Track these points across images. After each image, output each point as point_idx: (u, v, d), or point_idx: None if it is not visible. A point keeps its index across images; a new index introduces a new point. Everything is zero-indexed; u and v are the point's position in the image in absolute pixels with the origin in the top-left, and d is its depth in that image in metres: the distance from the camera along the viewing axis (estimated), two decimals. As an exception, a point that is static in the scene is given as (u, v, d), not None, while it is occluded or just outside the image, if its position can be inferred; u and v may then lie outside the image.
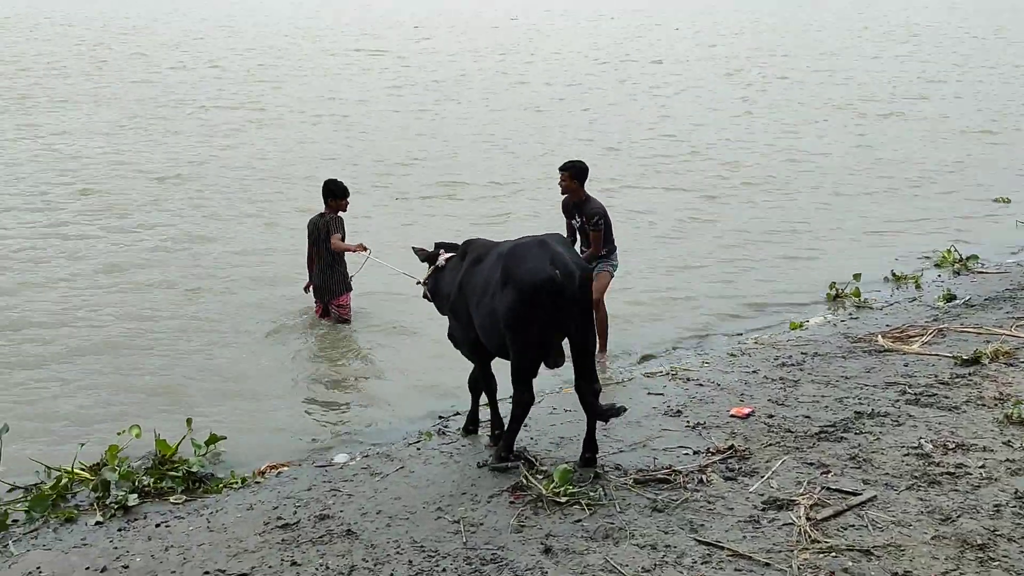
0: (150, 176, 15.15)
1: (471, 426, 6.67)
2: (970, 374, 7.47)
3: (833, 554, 4.81)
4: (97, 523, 5.53)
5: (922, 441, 6.16)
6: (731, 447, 6.15)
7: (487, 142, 18.76)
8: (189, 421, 6.92)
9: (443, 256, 6.60)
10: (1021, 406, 6.51)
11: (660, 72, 29.69)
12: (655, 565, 4.78)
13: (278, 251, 11.46)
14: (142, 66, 28.15)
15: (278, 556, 5.01)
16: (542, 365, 5.89)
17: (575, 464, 5.86)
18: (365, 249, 9.10)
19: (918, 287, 10.72)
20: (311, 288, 9.37)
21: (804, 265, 11.66)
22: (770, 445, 6.21)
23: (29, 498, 5.80)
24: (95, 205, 13.35)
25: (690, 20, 49.21)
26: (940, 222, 13.66)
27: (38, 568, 5.00)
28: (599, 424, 5.95)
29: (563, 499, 5.43)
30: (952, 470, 5.72)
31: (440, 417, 7.28)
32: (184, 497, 5.89)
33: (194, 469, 6.16)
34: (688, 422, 6.69)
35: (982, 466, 5.78)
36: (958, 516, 5.16)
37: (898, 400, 6.96)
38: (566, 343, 5.86)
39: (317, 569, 4.86)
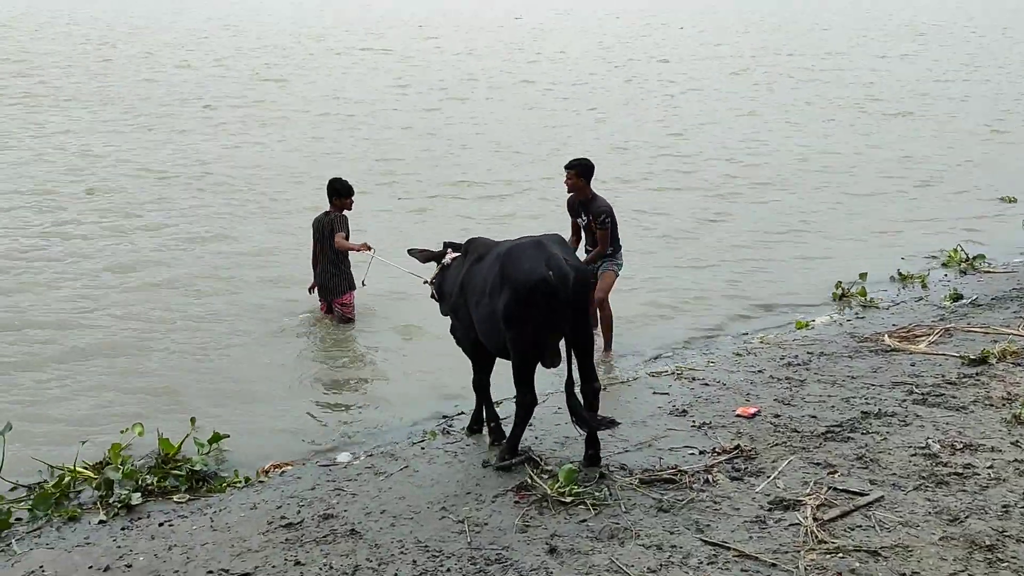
0: (154, 175, 15.15)
1: (475, 425, 6.65)
2: (977, 374, 7.43)
3: (840, 555, 4.78)
4: (100, 522, 5.52)
5: (929, 441, 6.12)
6: (737, 447, 6.11)
7: (492, 141, 18.73)
8: (193, 420, 6.91)
9: (450, 255, 6.60)
10: (1029, 406, 6.48)
11: (666, 71, 29.64)
12: (661, 565, 4.75)
13: (282, 250, 11.44)
14: (147, 65, 28.18)
15: (282, 556, 4.98)
16: (540, 366, 5.88)
17: (580, 463, 5.84)
18: (369, 248, 9.08)
19: (924, 287, 10.68)
20: (316, 288, 9.37)
21: (810, 265, 11.62)
22: (776, 445, 6.18)
23: (32, 497, 5.79)
24: (100, 204, 13.35)
25: (694, 19, 49.14)
26: (947, 222, 13.61)
27: (41, 567, 4.98)
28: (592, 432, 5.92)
29: (568, 499, 5.40)
30: (960, 470, 5.69)
31: (444, 416, 7.25)
32: (188, 496, 5.88)
33: (197, 468, 6.15)
34: (694, 422, 6.66)
35: (990, 466, 5.74)
36: (966, 517, 5.13)
37: (905, 400, 6.92)
38: (563, 344, 5.86)
39: (321, 569, 4.84)
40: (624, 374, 8.06)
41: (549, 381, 6.73)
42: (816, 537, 4.94)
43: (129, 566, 4.95)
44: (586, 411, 5.76)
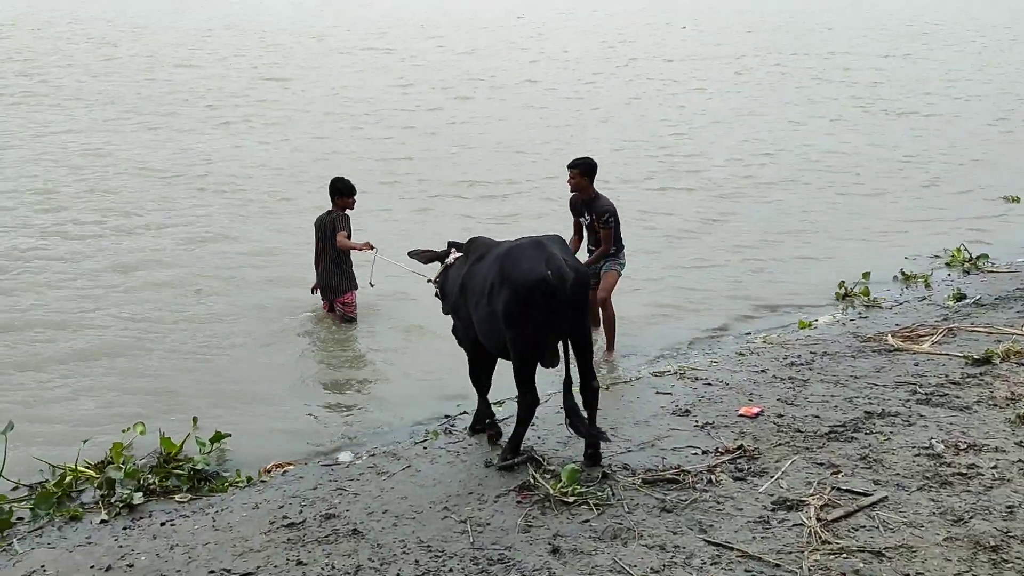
0: (156, 175, 15.12)
1: (478, 425, 6.63)
2: (981, 374, 7.41)
3: (844, 555, 4.76)
4: (102, 521, 5.52)
5: (933, 441, 6.10)
6: (740, 447, 6.10)
7: (495, 141, 18.71)
8: (195, 419, 6.90)
9: (453, 254, 6.60)
10: (1033, 406, 6.46)
11: (668, 71, 29.60)
12: (664, 566, 4.73)
13: (284, 250, 11.42)
14: (149, 64, 28.16)
15: (284, 555, 4.97)
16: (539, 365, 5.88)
17: (582, 463, 5.83)
18: (372, 247, 9.07)
19: (928, 286, 10.65)
20: (318, 289, 9.37)
21: (813, 264, 11.60)
22: (779, 445, 6.16)
23: (34, 496, 5.78)
24: (101, 204, 13.32)
25: (696, 19, 49.09)
26: (950, 221, 13.58)
27: (42, 567, 4.97)
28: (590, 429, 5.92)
29: (571, 499, 5.39)
30: (964, 471, 5.67)
31: (446, 416, 7.24)
32: (189, 496, 5.87)
33: (199, 467, 6.14)
34: (697, 421, 6.64)
35: (994, 467, 5.72)
36: (970, 517, 5.11)
37: (909, 400, 6.90)
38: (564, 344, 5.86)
39: (323, 569, 4.83)
40: (627, 374, 8.05)
41: (551, 381, 6.71)
42: (820, 537, 4.92)
43: (131, 566, 4.94)
44: (581, 419, 5.78)
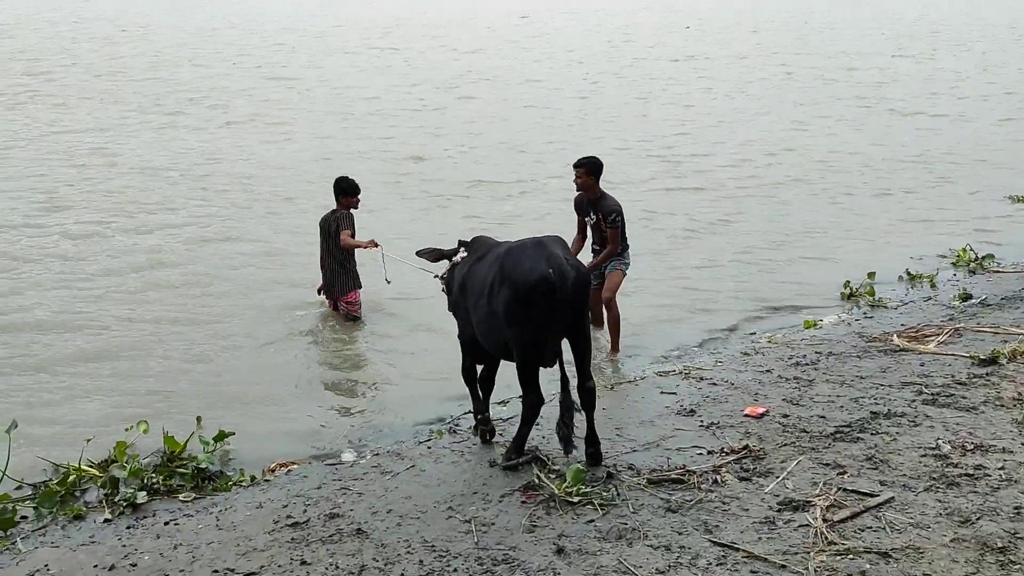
0: (159, 175, 15.13)
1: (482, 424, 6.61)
2: (987, 374, 7.37)
3: (850, 556, 4.74)
4: (106, 520, 5.51)
5: (940, 442, 6.07)
6: (746, 447, 6.07)
7: (499, 140, 18.70)
8: (199, 419, 6.89)
9: (461, 253, 6.61)
10: (1041, 407, 6.43)
11: (673, 71, 29.58)
12: (669, 566, 4.71)
13: (288, 250, 11.42)
14: (153, 64, 28.19)
15: (288, 555, 4.96)
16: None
17: (585, 463, 5.80)
18: (376, 245, 9.06)
19: (933, 286, 10.61)
20: (322, 288, 9.37)
21: (818, 264, 11.56)
22: (785, 445, 6.14)
23: (37, 495, 5.77)
24: (104, 204, 13.32)
25: (700, 19, 49.04)
26: (955, 221, 13.53)
27: (46, 566, 4.96)
28: (596, 425, 5.94)
29: (575, 499, 5.37)
30: (971, 472, 5.64)
31: (451, 416, 7.22)
32: (193, 495, 5.86)
33: (203, 466, 6.13)
34: (702, 421, 6.62)
35: (1001, 468, 5.68)
36: (978, 518, 5.08)
37: (914, 400, 6.87)
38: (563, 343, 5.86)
39: (327, 568, 4.81)
40: (631, 373, 8.03)
41: (555, 380, 6.68)
42: (826, 538, 4.89)
43: (134, 565, 4.93)
44: (569, 423, 5.78)
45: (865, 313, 9.69)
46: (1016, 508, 5.17)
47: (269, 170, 15.69)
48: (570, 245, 7.94)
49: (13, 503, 5.68)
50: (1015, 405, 6.67)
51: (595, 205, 8.29)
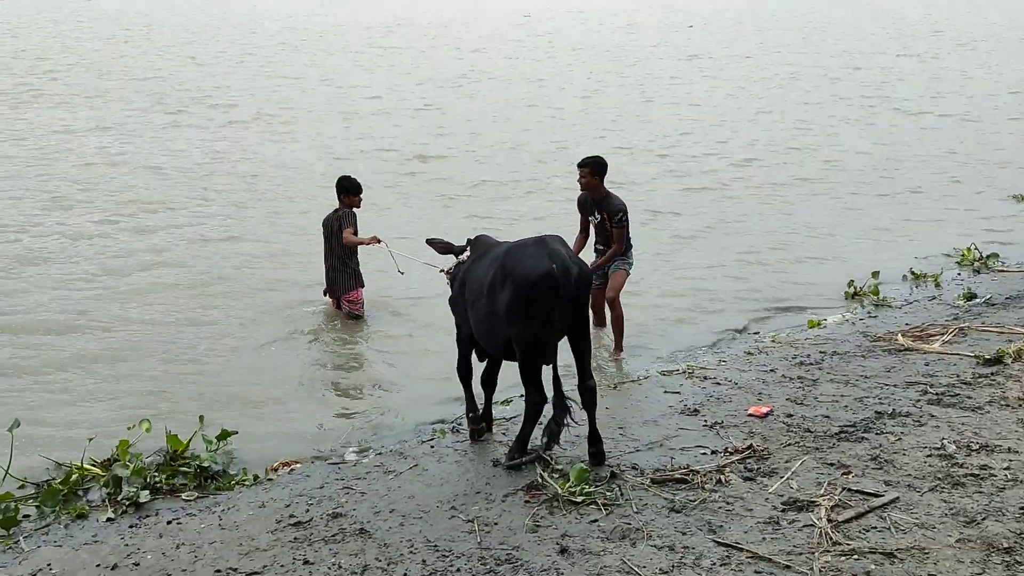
0: (162, 174, 15.13)
1: (484, 423, 6.60)
2: (993, 374, 7.34)
3: (855, 557, 4.71)
4: (108, 520, 5.49)
5: (945, 442, 6.04)
6: (749, 447, 6.05)
7: (502, 140, 18.69)
8: (201, 418, 6.88)
9: (468, 251, 6.60)
10: (1046, 407, 6.40)
11: (677, 70, 29.55)
12: (673, 567, 4.69)
13: (291, 250, 11.41)
14: (156, 63, 28.20)
15: (290, 554, 4.95)
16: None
17: (588, 462, 5.79)
18: (378, 241, 9.06)
19: (937, 285, 10.58)
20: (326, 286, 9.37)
21: (822, 263, 11.54)
22: (789, 445, 6.11)
23: (40, 494, 5.76)
24: (107, 204, 13.31)
25: (703, 18, 48.98)
26: (961, 221, 13.49)
27: (48, 565, 4.95)
28: (599, 424, 5.93)
29: (579, 499, 5.35)
30: (976, 472, 5.61)
31: (454, 415, 7.20)
32: (196, 494, 5.85)
33: (206, 465, 6.12)
34: (705, 421, 6.60)
35: (1007, 468, 5.66)
36: (983, 519, 5.05)
37: (919, 400, 6.84)
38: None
39: (329, 568, 4.80)
40: (635, 373, 8.01)
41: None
42: (830, 538, 4.87)
43: (137, 564, 4.92)
44: (560, 421, 5.79)
45: (869, 312, 9.66)
46: (1022, 508, 5.14)
47: (271, 169, 15.68)
48: (572, 244, 7.97)
49: (16, 502, 5.66)
50: (1020, 405, 6.64)
51: (600, 204, 8.27)
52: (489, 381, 6.52)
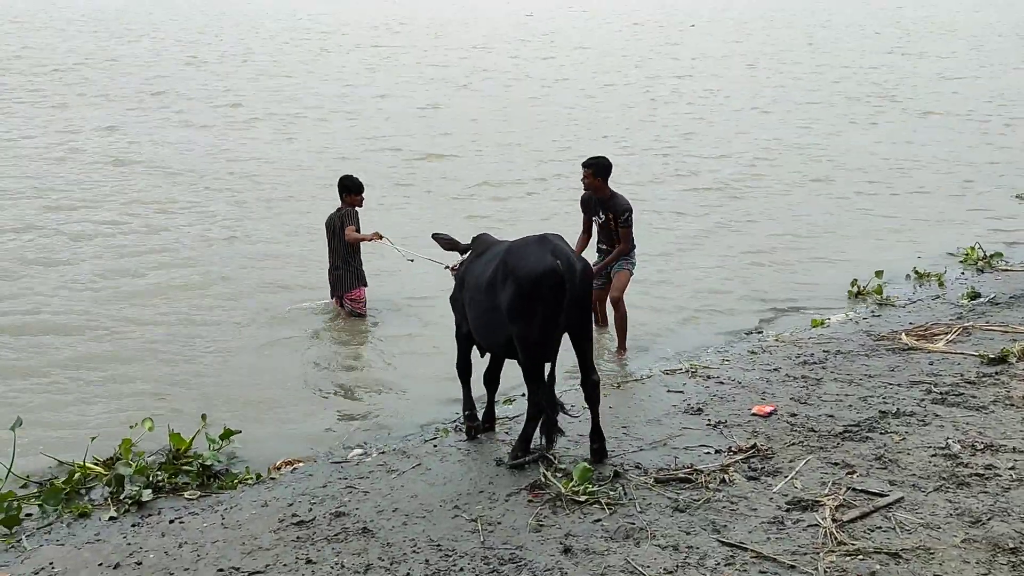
0: (164, 174, 15.13)
1: (488, 423, 6.59)
2: (997, 373, 7.32)
3: (860, 557, 4.69)
4: (111, 518, 5.48)
5: (949, 441, 6.02)
6: (753, 446, 6.03)
7: (504, 139, 18.68)
8: (204, 416, 6.86)
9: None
10: (1051, 406, 6.37)
11: (679, 69, 29.51)
12: (677, 566, 4.67)
13: (293, 250, 11.41)
14: (158, 62, 28.21)
15: (293, 554, 4.93)
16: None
17: (591, 461, 5.77)
18: (380, 237, 9.05)
19: (941, 285, 10.55)
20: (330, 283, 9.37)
21: (826, 263, 11.52)
22: (793, 444, 6.09)
23: (42, 493, 5.75)
24: (109, 204, 13.32)
25: (705, 17, 48.94)
26: (964, 220, 13.47)
27: (51, 563, 4.94)
28: (602, 422, 5.92)
29: (582, 498, 5.33)
30: (981, 471, 5.58)
31: (457, 414, 7.18)
32: (198, 493, 5.83)
33: (209, 464, 6.11)
34: (709, 420, 6.58)
35: (1012, 467, 5.63)
36: (988, 519, 5.03)
37: (924, 399, 6.82)
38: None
39: (332, 567, 4.78)
40: (638, 372, 7.99)
41: (560, 379, 6.65)
42: (835, 538, 4.85)
43: (139, 563, 4.91)
44: (554, 419, 5.78)
45: (873, 312, 9.63)
46: (1027, 508, 5.13)
47: (274, 169, 15.68)
48: (575, 244, 7.96)
49: (18, 501, 5.65)
50: (1025, 404, 6.62)
51: (605, 204, 8.25)
52: (491, 379, 6.50)
